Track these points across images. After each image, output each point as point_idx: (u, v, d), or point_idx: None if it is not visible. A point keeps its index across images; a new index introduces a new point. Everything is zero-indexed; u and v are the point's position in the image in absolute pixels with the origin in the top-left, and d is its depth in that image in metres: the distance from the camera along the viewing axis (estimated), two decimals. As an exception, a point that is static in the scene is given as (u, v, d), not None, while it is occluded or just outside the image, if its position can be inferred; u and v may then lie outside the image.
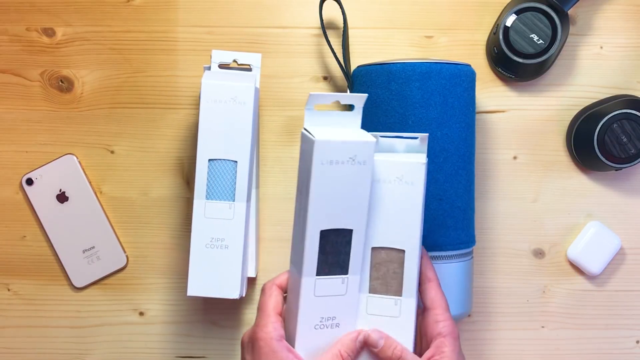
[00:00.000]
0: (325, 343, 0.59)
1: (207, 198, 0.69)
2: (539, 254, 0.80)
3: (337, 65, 0.76)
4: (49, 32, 0.79)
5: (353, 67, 0.75)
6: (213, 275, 0.69)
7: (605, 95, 0.79)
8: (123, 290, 0.80)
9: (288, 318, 0.61)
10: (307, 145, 0.57)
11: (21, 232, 0.80)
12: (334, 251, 0.58)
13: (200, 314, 0.80)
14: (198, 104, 0.79)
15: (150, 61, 0.79)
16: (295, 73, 0.79)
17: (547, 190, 0.80)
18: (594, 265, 0.78)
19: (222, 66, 0.73)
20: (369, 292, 0.60)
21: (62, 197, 0.78)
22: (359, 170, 0.57)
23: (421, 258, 0.62)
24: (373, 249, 0.60)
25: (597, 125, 0.74)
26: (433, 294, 0.61)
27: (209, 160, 0.69)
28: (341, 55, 0.76)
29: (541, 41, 0.74)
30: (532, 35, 0.74)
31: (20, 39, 0.79)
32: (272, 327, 0.58)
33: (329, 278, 0.59)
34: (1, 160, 0.80)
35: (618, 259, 0.79)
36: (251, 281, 0.79)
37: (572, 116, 0.79)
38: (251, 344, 0.59)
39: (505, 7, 0.77)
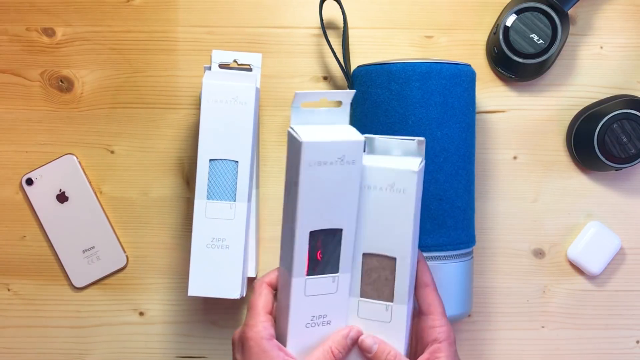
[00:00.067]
0: (317, 341, 0.59)
1: (208, 198, 0.69)
2: (539, 254, 0.80)
3: (337, 65, 0.76)
4: (49, 32, 0.79)
5: (353, 67, 0.75)
6: (214, 275, 0.69)
7: (605, 95, 0.79)
8: (123, 290, 0.80)
9: (279, 316, 0.60)
10: (294, 146, 0.56)
11: (21, 232, 0.80)
12: (324, 251, 0.58)
13: (200, 314, 0.79)
14: (198, 104, 0.79)
15: (150, 61, 0.79)
16: (296, 73, 0.79)
17: (547, 190, 0.80)
18: (594, 265, 0.78)
19: (223, 66, 0.73)
20: (360, 296, 0.60)
21: (62, 197, 0.78)
22: (348, 170, 0.57)
23: (417, 263, 0.61)
24: (364, 254, 0.59)
25: (597, 125, 0.74)
26: (430, 299, 0.60)
27: (210, 160, 0.69)
28: (341, 55, 0.76)
29: (541, 41, 0.74)
30: (532, 35, 0.74)
31: (20, 39, 0.79)
32: (262, 327, 0.58)
33: (320, 277, 0.58)
34: (1, 160, 0.80)
35: (618, 259, 0.80)
36: (251, 281, 0.78)
37: (572, 116, 0.79)
38: (241, 344, 0.58)
39: (505, 7, 0.77)
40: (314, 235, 0.57)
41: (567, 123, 0.80)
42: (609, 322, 0.80)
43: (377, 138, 0.61)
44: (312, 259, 0.57)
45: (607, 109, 0.75)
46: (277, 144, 0.79)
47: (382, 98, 0.70)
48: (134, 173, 0.80)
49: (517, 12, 0.74)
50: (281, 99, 0.79)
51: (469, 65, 0.72)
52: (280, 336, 0.59)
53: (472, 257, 0.74)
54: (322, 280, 0.58)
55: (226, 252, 0.69)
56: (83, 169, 0.79)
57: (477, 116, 0.79)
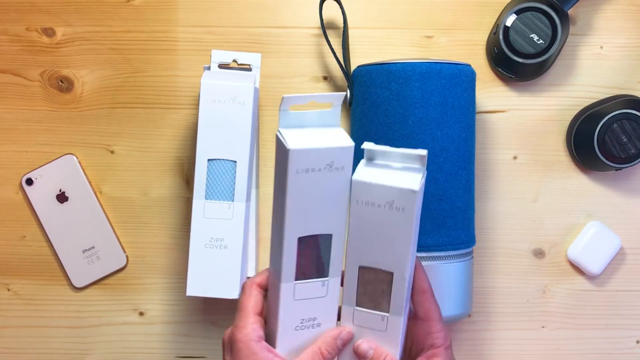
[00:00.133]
0: (307, 342, 0.59)
1: (206, 198, 0.69)
2: (539, 254, 0.80)
3: (337, 65, 0.76)
4: (49, 32, 0.79)
5: (353, 67, 0.75)
6: (212, 275, 0.69)
7: (605, 95, 0.79)
8: (123, 290, 0.80)
9: (269, 318, 0.60)
10: (281, 153, 0.55)
11: (21, 232, 0.80)
12: (313, 256, 0.57)
13: (200, 314, 0.79)
14: (198, 104, 0.79)
15: (150, 61, 0.79)
16: (295, 73, 0.79)
17: (547, 190, 0.80)
18: (594, 265, 0.78)
19: (222, 66, 0.73)
20: (356, 305, 0.59)
21: (62, 197, 0.78)
22: (337, 176, 0.55)
23: (415, 269, 0.60)
24: (361, 267, 0.58)
25: (597, 125, 0.74)
26: (427, 306, 0.60)
27: (209, 160, 0.69)
28: (341, 55, 0.76)
29: (541, 41, 0.74)
30: (532, 35, 0.74)
31: (20, 39, 0.79)
32: (251, 328, 0.58)
33: (309, 282, 0.58)
34: (1, 160, 0.80)
35: (618, 259, 0.79)
36: (251, 281, 0.79)
37: (572, 116, 0.79)
38: (230, 345, 0.58)
39: (505, 7, 0.77)
40: (302, 240, 0.56)
41: (567, 123, 0.80)
42: (609, 322, 0.79)
43: (377, 150, 0.58)
44: (300, 264, 0.57)
45: (607, 109, 0.75)
46: (277, 144, 0.79)
47: (382, 98, 0.70)
48: (134, 173, 0.80)
49: (517, 12, 0.74)
50: (281, 99, 0.79)
51: (469, 65, 0.72)
52: (270, 337, 0.59)
53: (472, 257, 0.74)
54: (312, 285, 0.58)
55: (224, 252, 0.69)
56: (83, 169, 0.79)
57: (477, 116, 0.79)
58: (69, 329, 0.80)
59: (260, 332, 0.58)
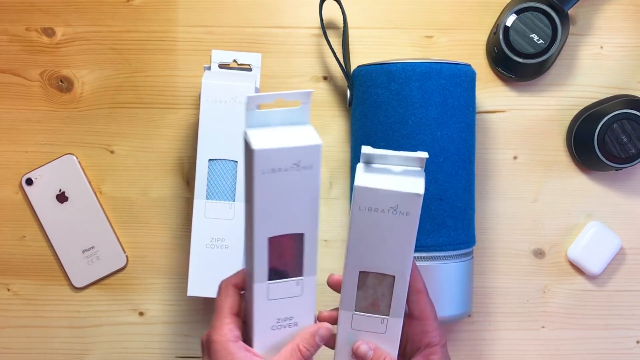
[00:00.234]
0: (284, 341, 0.58)
1: (207, 198, 0.69)
2: (539, 254, 0.80)
3: (337, 65, 0.76)
4: (49, 32, 0.79)
5: (353, 67, 0.75)
6: (213, 276, 0.68)
7: (605, 95, 0.79)
8: (123, 290, 0.80)
9: (246, 318, 0.59)
10: (247, 153, 0.54)
11: (21, 232, 0.80)
12: (286, 255, 0.56)
13: (200, 314, 0.79)
14: (198, 104, 0.79)
15: (150, 61, 0.79)
16: (295, 73, 0.79)
17: (547, 190, 0.80)
18: (594, 265, 0.78)
19: (222, 66, 0.73)
20: (355, 310, 0.59)
21: (62, 197, 0.78)
22: (305, 175, 0.54)
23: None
24: (361, 272, 0.58)
25: (597, 125, 0.74)
26: (422, 306, 0.60)
27: (209, 160, 0.69)
28: (341, 55, 0.76)
29: (541, 41, 0.74)
30: (532, 35, 0.74)
31: (20, 39, 0.79)
32: (228, 329, 0.57)
33: (283, 282, 0.57)
34: (1, 160, 0.80)
35: (618, 259, 0.79)
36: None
37: (572, 116, 0.79)
38: (208, 347, 0.58)
39: (505, 7, 0.77)
40: (273, 241, 0.55)
41: (567, 123, 0.80)
42: (609, 322, 0.80)
43: (377, 154, 0.57)
44: (273, 264, 0.56)
45: (607, 109, 0.75)
46: (277, 144, 0.79)
47: (382, 98, 0.70)
48: (134, 173, 0.80)
49: (517, 12, 0.74)
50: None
51: (469, 65, 0.72)
52: (248, 337, 0.59)
53: (472, 257, 0.74)
54: (286, 284, 0.57)
55: (225, 252, 0.69)
56: (83, 169, 0.79)
57: (477, 116, 0.79)
58: (69, 329, 0.80)
59: (237, 332, 0.57)
